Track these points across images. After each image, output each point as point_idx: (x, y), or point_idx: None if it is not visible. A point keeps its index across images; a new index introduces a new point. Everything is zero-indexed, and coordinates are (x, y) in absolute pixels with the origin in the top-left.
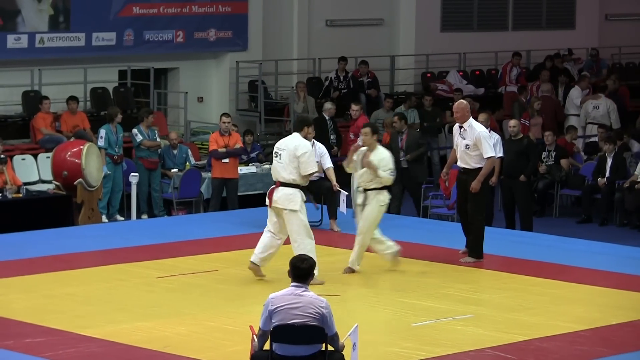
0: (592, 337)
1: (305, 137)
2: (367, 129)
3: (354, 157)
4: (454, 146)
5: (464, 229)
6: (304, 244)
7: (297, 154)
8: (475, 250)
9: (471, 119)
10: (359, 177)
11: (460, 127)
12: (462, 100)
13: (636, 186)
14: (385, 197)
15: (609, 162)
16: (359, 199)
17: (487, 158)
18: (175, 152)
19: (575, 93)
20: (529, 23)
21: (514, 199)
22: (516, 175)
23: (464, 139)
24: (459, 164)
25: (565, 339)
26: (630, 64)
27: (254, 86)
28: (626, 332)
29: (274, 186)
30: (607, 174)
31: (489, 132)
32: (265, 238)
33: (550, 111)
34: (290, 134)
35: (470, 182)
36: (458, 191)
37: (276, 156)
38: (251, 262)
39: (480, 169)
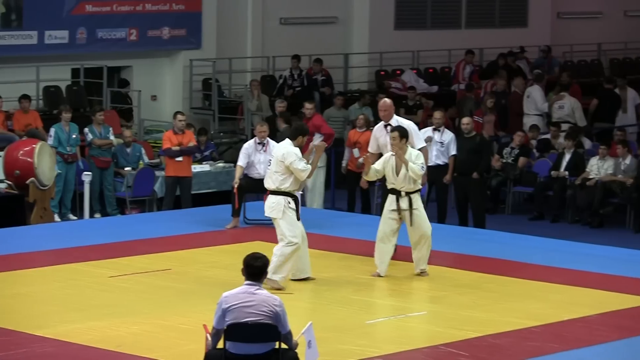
0: (544, 333)
1: (299, 146)
2: (396, 133)
3: (378, 167)
4: (374, 148)
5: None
6: (282, 248)
7: (286, 162)
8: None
9: (395, 116)
10: (401, 182)
11: (387, 125)
12: (386, 99)
13: (587, 183)
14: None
15: (567, 157)
16: (404, 204)
17: (421, 149)
18: (129, 150)
19: (538, 93)
20: (482, 21)
21: (467, 196)
22: (469, 172)
23: None
24: None
25: (518, 335)
26: (582, 61)
27: (207, 84)
28: (578, 327)
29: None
30: (562, 169)
31: (443, 129)
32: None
33: (519, 107)
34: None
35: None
36: (386, 190)
37: (269, 165)
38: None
39: None
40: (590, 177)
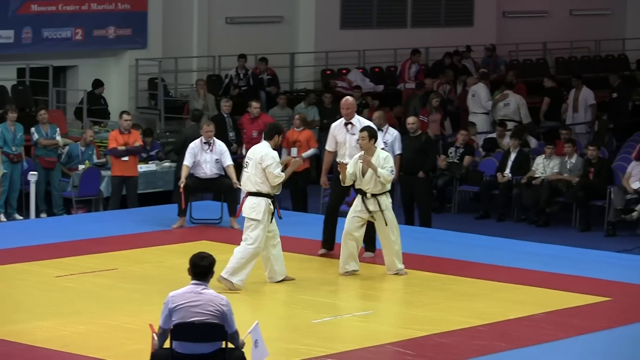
0: (491, 332)
1: (275, 147)
2: (365, 133)
3: (349, 170)
4: (332, 146)
5: (328, 226)
6: (246, 249)
7: (263, 165)
8: (373, 245)
9: (357, 115)
10: (367, 184)
11: (348, 123)
12: (348, 97)
13: (533, 182)
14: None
15: (512, 157)
16: (370, 205)
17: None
18: (84, 149)
19: (483, 91)
20: (428, 20)
21: (413, 195)
22: (415, 171)
23: (354, 134)
24: (346, 160)
25: (465, 334)
26: (528, 60)
27: (153, 84)
28: (524, 326)
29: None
30: (508, 169)
31: (387, 128)
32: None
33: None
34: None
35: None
36: (338, 188)
37: (245, 166)
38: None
39: None
40: (536, 176)
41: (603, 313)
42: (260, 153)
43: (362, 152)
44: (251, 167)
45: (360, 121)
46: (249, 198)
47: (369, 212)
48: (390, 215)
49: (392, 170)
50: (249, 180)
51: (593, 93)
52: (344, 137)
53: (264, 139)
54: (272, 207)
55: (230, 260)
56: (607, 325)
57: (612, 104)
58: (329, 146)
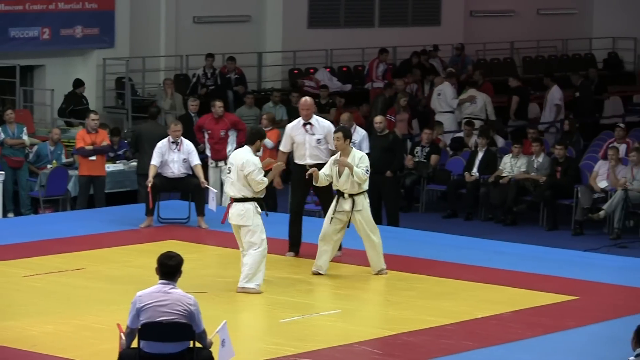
0: (458, 330)
1: (257, 151)
2: (340, 134)
3: (326, 172)
4: (287, 147)
5: (294, 230)
6: (254, 254)
7: (245, 172)
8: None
9: (315, 116)
10: (343, 184)
11: (307, 123)
12: (307, 98)
13: (501, 181)
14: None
15: (479, 156)
16: (346, 205)
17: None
18: (53, 149)
19: (449, 90)
20: (395, 20)
21: (380, 194)
22: (382, 171)
23: (314, 134)
24: (307, 161)
25: (433, 333)
26: (495, 60)
27: (121, 83)
28: (492, 325)
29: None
30: (476, 168)
31: (355, 128)
32: (242, 259)
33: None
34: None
35: None
36: (300, 190)
37: (228, 171)
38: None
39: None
40: (504, 175)
41: (570, 312)
42: (241, 160)
43: (338, 153)
44: (233, 173)
45: (318, 121)
46: (235, 205)
47: (345, 212)
48: (367, 215)
49: (367, 170)
50: (233, 186)
51: (561, 92)
52: (303, 137)
53: (246, 144)
54: (259, 209)
55: (242, 269)
56: (575, 324)
57: (575, 103)
58: (284, 147)
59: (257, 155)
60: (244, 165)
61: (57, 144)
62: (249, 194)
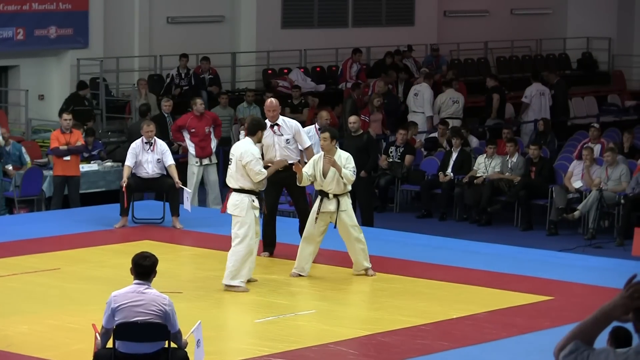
0: (433, 330)
1: (258, 141)
2: (327, 134)
3: (309, 171)
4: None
5: (271, 225)
6: (237, 250)
7: (243, 162)
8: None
9: (281, 116)
10: (328, 185)
11: (275, 125)
12: (272, 99)
13: (475, 181)
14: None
15: (454, 156)
16: (331, 206)
17: (307, 148)
18: (8, 149)
19: (427, 92)
20: (369, 20)
21: (354, 194)
22: (357, 171)
23: (282, 135)
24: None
25: (407, 333)
26: (469, 60)
27: (95, 83)
28: (466, 325)
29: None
30: (450, 169)
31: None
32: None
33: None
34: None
35: (293, 177)
36: (274, 191)
37: (230, 163)
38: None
39: (299, 162)
40: (478, 175)
41: (545, 312)
42: (240, 150)
43: (322, 153)
44: (233, 163)
45: (285, 121)
46: (233, 195)
47: (329, 213)
48: (352, 215)
49: (354, 171)
50: (232, 177)
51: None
52: (272, 139)
53: (247, 135)
54: (255, 203)
55: (227, 265)
56: (549, 324)
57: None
58: (266, 145)
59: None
60: (242, 155)
61: (12, 143)
62: (247, 186)
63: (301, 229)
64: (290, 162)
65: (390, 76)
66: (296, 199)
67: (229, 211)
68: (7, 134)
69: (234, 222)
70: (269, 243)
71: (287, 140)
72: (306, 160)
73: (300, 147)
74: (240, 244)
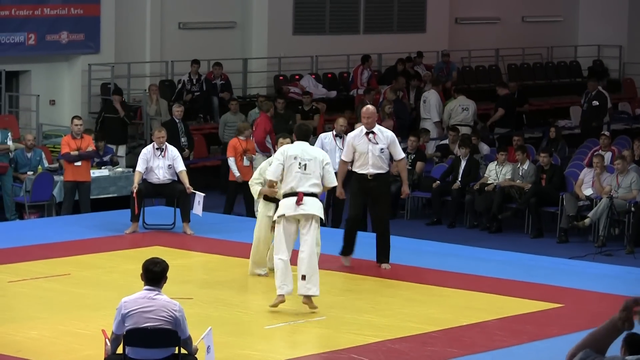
0: (443, 337)
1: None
2: (289, 139)
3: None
4: (349, 157)
5: (351, 236)
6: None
7: (323, 163)
8: (388, 256)
9: (377, 125)
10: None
11: (370, 132)
12: (369, 106)
13: (486, 188)
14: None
15: (463, 164)
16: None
17: (400, 160)
18: (29, 155)
19: (434, 97)
20: (380, 26)
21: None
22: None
23: (377, 143)
24: (370, 170)
25: (417, 340)
26: (480, 67)
27: (106, 89)
28: (476, 332)
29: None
30: (459, 176)
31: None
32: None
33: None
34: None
35: (381, 187)
36: (360, 198)
37: (300, 167)
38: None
39: (388, 172)
40: (489, 182)
41: (555, 319)
42: (320, 153)
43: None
44: (312, 167)
45: (382, 131)
46: (312, 199)
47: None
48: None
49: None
50: (308, 181)
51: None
52: (366, 146)
53: (301, 140)
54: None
55: (304, 270)
56: (559, 331)
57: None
58: (346, 156)
59: None
60: (325, 157)
61: (33, 150)
62: (318, 191)
63: (379, 245)
64: (379, 171)
65: (399, 82)
66: (380, 210)
67: (313, 212)
68: (32, 142)
69: (315, 226)
70: (347, 252)
71: (382, 149)
72: (396, 172)
73: (395, 158)
74: (317, 247)
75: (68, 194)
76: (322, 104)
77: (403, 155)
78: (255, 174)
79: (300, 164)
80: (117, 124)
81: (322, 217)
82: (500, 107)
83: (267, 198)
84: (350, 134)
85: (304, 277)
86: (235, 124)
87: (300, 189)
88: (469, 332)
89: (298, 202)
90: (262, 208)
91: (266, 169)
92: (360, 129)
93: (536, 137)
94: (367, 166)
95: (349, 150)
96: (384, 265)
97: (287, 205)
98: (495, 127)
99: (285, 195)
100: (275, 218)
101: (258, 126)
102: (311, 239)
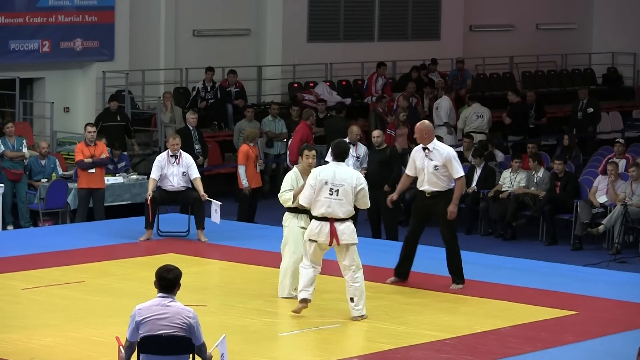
0: (458, 345)
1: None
2: (314, 152)
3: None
4: (412, 171)
5: (408, 253)
6: (359, 277)
7: (358, 188)
8: (461, 276)
9: (435, 140)
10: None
11: (425, 148)
12: (425, 121)
13: (500, 195)
14: None
15: (478, 172)
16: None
17: (459, 178)
18: (44, 162)
19: (446, 104)
20: (395, 34)
21: (379, 208)
22: (380, 185)
23: (432, 160)
24: (426, 187)
25: (432, 348)
26: (494, 74)
27: (120, 96)
28: (491, 340)
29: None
30: (474, 183)
31: (358, 143)
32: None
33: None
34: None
35: (437, 206)
36: (418, 216)
37: (331, 192)
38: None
39: (449, 191)
40: (503, 189)
41: (569, 327)
42: (354, 177)
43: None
44: (343, 193)
45: (437, 147)
46: (345, 223)
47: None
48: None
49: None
50: (339, 206)
51: None
52: (422, 162)
53: (337, 160)
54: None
55: (351, 292)
56: (574, 339)
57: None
58: (409, 170)
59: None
60: (359, 179)
61: (47, 157)
62: (351, 213)
63: (450, 263)
64: (435, 189)
65: (410, 89)
66: (440, 229)
67: (345, 241)
68: (47, 149)
69: (352, 250)
70: (403, 273)
71: (436, 166)
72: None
73: (453, 177)
74: (358, 268)
75: (82, 201)
76: (332, 111)
77: (461, 173)
78: (286, 184)
79: (331, 189)
80: (116, 131)
81: (354, 242)
82: (508, 116)
83: (294, 210)
84: (415, 148)
85: (352, 299)
86: None
87: (331, 216)
88: (484, 339)
89: (331, 236)
90: (291, 221)
91: (295, 180)
92: (420, 145)
93: (550, 145)
94: (424, 183)
95: (411, 164)
96: (452, 286)
97: (319, 233)
98: (508, 136)
99: (316, 218)
100: (305, 238)
101: (296, 134)
102: (349, 263)
